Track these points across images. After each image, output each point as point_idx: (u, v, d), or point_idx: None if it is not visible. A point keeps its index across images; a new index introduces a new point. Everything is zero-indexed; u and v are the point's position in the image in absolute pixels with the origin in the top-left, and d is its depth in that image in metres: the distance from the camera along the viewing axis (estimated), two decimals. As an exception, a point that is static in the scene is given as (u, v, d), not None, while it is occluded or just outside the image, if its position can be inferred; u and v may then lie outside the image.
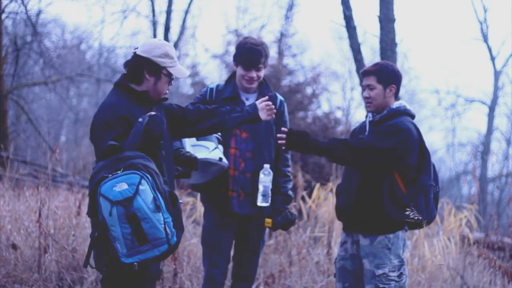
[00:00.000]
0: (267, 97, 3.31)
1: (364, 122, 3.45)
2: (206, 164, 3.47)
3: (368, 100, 3.34)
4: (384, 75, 3.30)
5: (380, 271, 3.19)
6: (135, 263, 2.57)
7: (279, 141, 3.22)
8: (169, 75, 2.99)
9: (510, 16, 29.23)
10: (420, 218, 3.12)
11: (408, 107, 3.37)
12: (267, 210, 3.65)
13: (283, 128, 3.24)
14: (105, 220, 2.54)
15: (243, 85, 3.69)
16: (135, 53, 2.98)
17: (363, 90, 3.37)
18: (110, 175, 2.56)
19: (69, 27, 22.97)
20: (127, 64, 2.99)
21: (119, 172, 2.56)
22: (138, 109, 2.89)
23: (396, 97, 3.37)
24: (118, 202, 2.50)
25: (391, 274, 3.20)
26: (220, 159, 3.44)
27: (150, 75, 2.95)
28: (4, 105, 11.69)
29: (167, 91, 3.04)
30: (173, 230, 2.63)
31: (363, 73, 3.35)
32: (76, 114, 19.68)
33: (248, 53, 3.60)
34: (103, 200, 2.53)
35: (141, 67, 2.94)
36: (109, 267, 2.74)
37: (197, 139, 3.49)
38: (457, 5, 40.69)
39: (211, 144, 3.49)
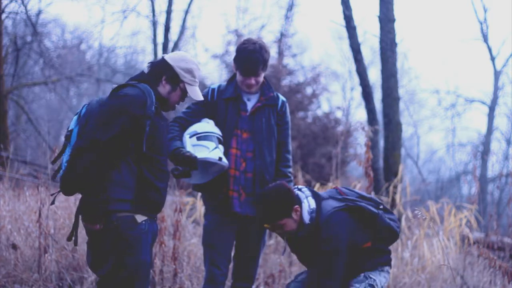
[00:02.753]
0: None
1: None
2: (206, 163, 3.46)
3: (287, 236, 3.22)
4: (279, 213, 3.10)
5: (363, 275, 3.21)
6: None
7: None
8: (184, 91, 2.99)
9: (510, 16, 29.26)
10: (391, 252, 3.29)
11: (311, 202, 3.17)
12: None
13: None
14: None
15: (243, 88, 3.70)
16: (163, 56, 3.00)
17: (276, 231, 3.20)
18: None
19: (69, 27, 23.05)
20: (151, 63, 3.00)
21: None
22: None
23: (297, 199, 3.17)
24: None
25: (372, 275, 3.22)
26: (220, 158, 3.43)
27: (167, 82, 2.96)
28: (4, 105, 11.71)
29: (177, 105, 3.03)
30: None
31: (266, 225, 3.17)
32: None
33: (246, 61, 3.58)
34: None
35: (162, 71, 2.95)
36: (115, 265, 2.77)
37: (198, 139, 3.49)
38: (457, 5, 40.72)
39: (211, 144, 3.48)
